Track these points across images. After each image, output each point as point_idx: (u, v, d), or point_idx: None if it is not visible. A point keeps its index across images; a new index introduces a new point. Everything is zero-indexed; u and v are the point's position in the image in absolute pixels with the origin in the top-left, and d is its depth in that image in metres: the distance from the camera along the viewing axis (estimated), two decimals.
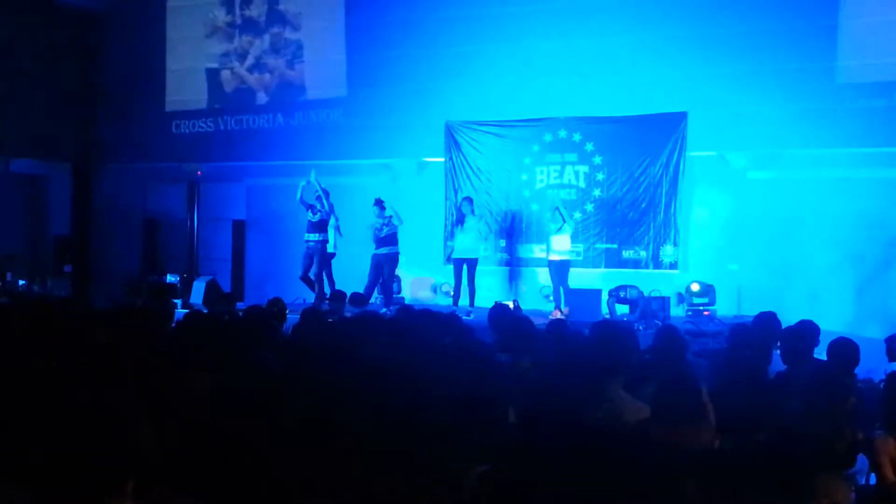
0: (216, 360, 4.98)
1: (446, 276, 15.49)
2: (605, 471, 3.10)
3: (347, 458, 3.41)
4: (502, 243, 15.10)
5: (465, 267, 14.33)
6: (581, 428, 3.93)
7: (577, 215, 14.80)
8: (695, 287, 13.71)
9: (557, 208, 13.83)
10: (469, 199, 14.66)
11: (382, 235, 14.19)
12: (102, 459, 2.62)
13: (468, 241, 14.37)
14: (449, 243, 14.94)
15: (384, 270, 14.23)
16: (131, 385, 4.56)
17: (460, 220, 14.48)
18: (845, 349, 5.99)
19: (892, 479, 4.60)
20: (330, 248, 14.55)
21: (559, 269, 13.62)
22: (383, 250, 14.23)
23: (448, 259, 14.58)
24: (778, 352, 6.49)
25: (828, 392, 4.58)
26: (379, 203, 14.22)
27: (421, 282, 16.01)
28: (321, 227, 14.37)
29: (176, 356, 4.97)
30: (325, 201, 14.26)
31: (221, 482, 3.60)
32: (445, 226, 15.65)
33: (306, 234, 14.46)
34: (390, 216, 14.14)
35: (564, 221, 13.62)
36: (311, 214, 14.34)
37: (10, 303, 13.35)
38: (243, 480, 3.58)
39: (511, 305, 12.16)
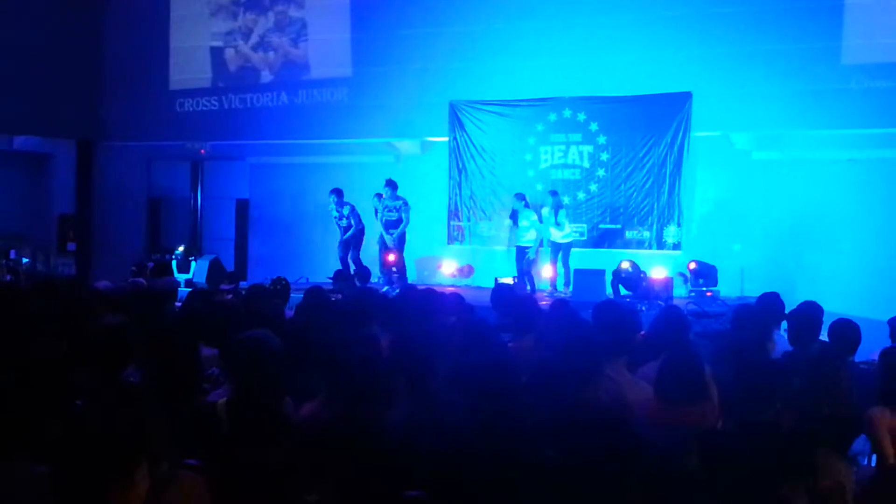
0: (220, 337, 4.99)
1: (450, 256, 15.61)
2: (609, 449, 3.12)
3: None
4: (508, 223, 15.05)
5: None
6: (584, 407, 3.95)
7: (581, 195, 14.81)
8: (692, 266, 13.73)
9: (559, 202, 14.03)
10: (521, 196, 14.43)
11: (393, 219, 14.45)
12: (112, 439, 2.64)
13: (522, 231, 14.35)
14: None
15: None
16: (137, 364, 4.58)
17: (513, 217, 14.41)
18: (846, 330, 6.00)
19: (892, 454, 4.61)
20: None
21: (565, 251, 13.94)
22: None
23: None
24: (780, 332, 6.51)
25: (826, 372, 4.59)
26: (392, 185, 14.46)
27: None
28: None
29: (180, 335, 4.98)
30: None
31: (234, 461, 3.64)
32: (449, 206, 15.67)
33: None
34: (400, 205, 14.38)
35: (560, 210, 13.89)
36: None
37: (15, 281, 13.40)
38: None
39: (511, 282, 12.23)
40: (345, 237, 14.92)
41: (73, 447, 2.59)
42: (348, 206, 14.86)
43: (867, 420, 4.66)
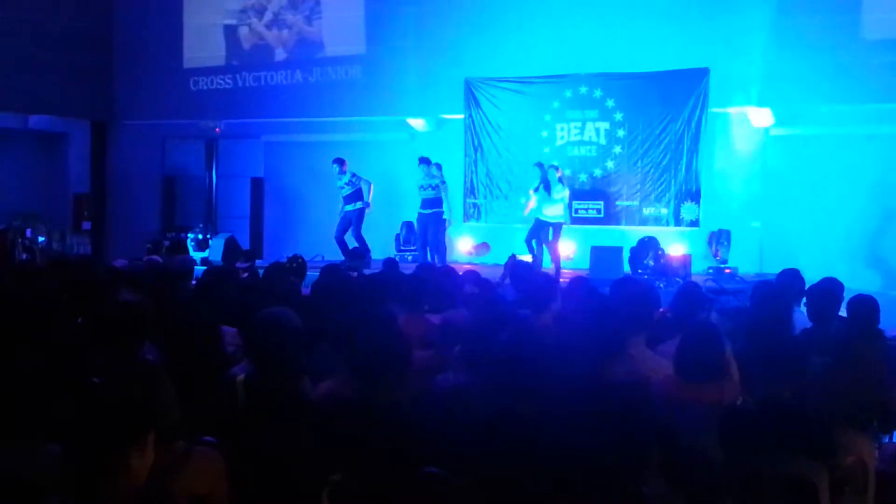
0: (239, 315, 4.98)
1: (466, 234, 15.56)
2: (626, 426, 3.09)
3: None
4: (523, 200, 14.98)
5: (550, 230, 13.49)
6: (604, 383, 3.92)
7: (598, 172, 14.73)
8: None
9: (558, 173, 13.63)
10: (555, 167, 13.68)
11: (430, 197, 14.09)
12: (124, 413, 2.62)
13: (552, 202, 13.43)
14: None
15: (429, 231, 14.13)
16: (152, 341, 4.57)
17: (547, 187, 13.37)
18: (864, 305, 5.93)
19: None
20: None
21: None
22: (427, 210, 14.13)
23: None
24: (800, 309, 6.45)
25: (850, 349, 4.54)
26: (425, 161, 14.19)
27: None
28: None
29: (197, 312, 4.97)
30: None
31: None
32: (465, 184, 15.63)
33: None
34: (438, 181, 14.11)
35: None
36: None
37: (31, 259, 13.45)
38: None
39: (529, 260, 12.16)
40: (347, 209, 14.34)
41: (83, 418, 2.58)
42: (349, 174, 14.34)
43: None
